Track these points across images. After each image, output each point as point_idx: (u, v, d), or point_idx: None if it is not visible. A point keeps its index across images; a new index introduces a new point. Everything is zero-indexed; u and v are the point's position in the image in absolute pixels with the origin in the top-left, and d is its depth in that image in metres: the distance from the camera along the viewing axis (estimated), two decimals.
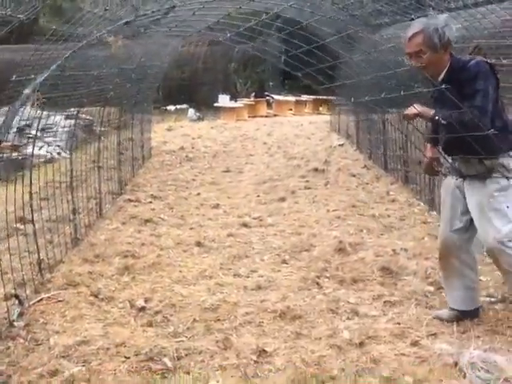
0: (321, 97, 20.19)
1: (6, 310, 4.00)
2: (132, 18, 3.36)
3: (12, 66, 3.46)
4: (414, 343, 3.66)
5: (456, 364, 3.36)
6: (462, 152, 3.46)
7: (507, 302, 4.15)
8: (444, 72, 3.48)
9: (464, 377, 3.25)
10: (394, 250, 5.37)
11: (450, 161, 3.68)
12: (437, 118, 3.42)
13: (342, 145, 12.12)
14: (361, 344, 3.67)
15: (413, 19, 4.57)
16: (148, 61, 8.19)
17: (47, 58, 3.64)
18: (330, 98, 17.50)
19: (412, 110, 3.54)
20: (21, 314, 4.13)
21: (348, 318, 4.08)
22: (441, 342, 3.66)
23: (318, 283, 4.70)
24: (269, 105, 20.81)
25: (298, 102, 20.46)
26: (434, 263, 4.99)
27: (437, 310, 4.10)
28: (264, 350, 3.62)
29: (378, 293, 4.46)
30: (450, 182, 3.77)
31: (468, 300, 3.90)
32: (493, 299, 4.23)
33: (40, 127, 6.21)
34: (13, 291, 4.23)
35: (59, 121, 8.98)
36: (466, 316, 3.88)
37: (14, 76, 3.09)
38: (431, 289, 4.49)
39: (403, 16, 6.40)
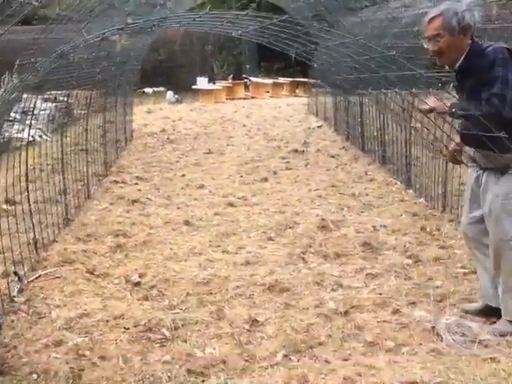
0: (297, 79, 20.39)
1: (5, 286, 4.17)
2: (123, 25, 3.52)
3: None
4: (395, 311, 3.93)
5: (434, 329, 3.64)
6: (477, 144, 3.39)
7: None
8: (462, 58, 3.34)
9: (441, 340, 3.54)
10: (373, 227, 5.65)
11: (470, 152, 3.58)
12: (454, 110, 3.32)
13: (320, 126, 12.37)
14: (345, 313, 3.94)
15: None
16: (131, 43, 8.29)
17: (45, 43, 3.78)
18: (306, 80, 17.71)
19: (426, 105, 3.47)
20: (21, 290, 4.30)
21: (333, 290, 4.34)
22: (419, 309, 3.94)
23: (303, 258, 4.95)
24: (246, 87, 20.94)
25: (275, 85, 20.62)
26: (411, 238, 5.30)
27: (416, 281, 4.39)
28: (256, 320, 3.86)
29: (360, 266, 4.73)
30: (471, 174, 3.63)
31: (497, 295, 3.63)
32: (467, 270, 4.53)
33: (20, 110, 6.31)
34: (12, 268, 4.40)
35: (38, 104, 9.04)
36: (496, 313, 3.66)
37: (18, 60, 3.23)
38: (409, 262, 4.78)
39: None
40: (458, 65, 3.38)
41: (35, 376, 3.26)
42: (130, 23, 3.50)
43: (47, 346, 3.54)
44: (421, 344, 3.53)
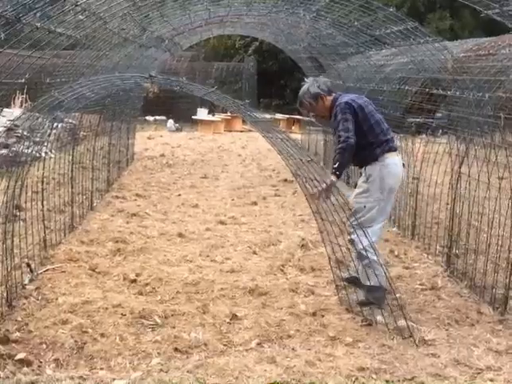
0: (294, 116, 21.19)
1: (18, 276, 4.75)
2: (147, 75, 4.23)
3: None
4: (357, 314, 4.54)
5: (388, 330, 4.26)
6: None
7: (435, 290, 5.10)
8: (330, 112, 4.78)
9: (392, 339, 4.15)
10: (348, 248, 6.25)
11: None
12: (335, 170, 4.65)
13: (310, 161, 13.04)
14: (314, 313, 4.55)
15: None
16: (139, 73, 8.93)
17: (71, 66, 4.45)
18: (301, 117, 18.46)
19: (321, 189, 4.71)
20: (31, 280, 4.89)
21: (305, 296, 4.95)
22: (378, 313, 4.55)
23: (282, 270, 5.56)
24: (244, 120, 21.71)
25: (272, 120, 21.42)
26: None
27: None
28: (235, 315, 4.46)
29: (331, 279, 5.32)
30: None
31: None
32: (424, 287, 5.15)
33: (28, 128, 6.91)
34: (25, 260, 4.98)
35: (48, 123, 9.68)
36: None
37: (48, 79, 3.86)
38: None
39: (365, 48, 7.41)
40: (329, 115, 4.77)
41: (44, 346, 3.85)
42: (153, 77, 4.18)
43: (55, 324, 4.13)
44: (376, 341, 4.14)
